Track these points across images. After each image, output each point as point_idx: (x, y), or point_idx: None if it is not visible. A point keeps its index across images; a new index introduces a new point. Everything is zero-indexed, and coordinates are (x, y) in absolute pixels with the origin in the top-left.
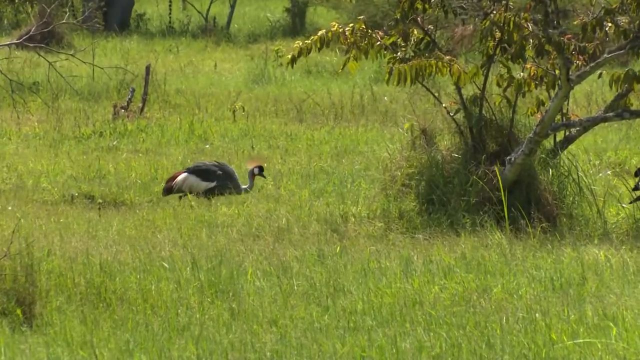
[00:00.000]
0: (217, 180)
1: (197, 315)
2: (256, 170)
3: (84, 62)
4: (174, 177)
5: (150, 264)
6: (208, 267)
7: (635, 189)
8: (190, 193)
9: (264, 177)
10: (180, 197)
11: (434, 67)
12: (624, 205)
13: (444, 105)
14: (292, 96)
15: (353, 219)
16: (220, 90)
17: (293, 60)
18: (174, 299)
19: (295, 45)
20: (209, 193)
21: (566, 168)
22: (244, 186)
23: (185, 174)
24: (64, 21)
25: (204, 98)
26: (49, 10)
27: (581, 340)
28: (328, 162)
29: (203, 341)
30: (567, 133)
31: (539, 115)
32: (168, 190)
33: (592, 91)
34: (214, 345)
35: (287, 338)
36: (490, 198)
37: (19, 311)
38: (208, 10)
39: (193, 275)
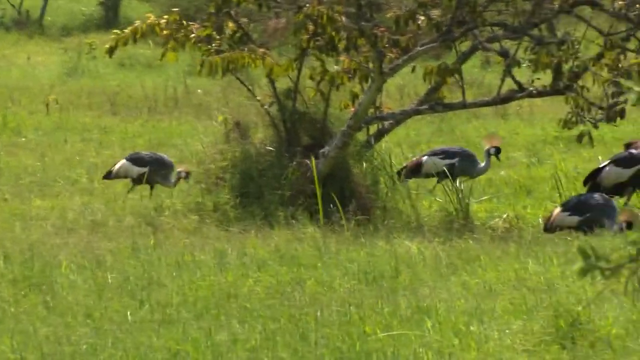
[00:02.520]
0: (150, 165)
1: (12, 309)
2: (182, 174)
3: None
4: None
5: None
6: (21, 260)
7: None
8: (126, 177)
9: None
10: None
11: (246, 59)
12: (437, 198)
13: (257, 98)
14: (106, 89)
15: (167, 212)
16: (34, 83)
17: (111, 51)
18: None
19: (113, 35)
20: (141, 178)
21: (380, 161)
22: (172, 180)
23: (123, 160)
24: None
25: (18, 91)
26: None
27: (395, 333)
28: None
29: (17, 334)
30: (381, 126)
31: (352, 109)
32: (107, 175)
33: (405, 84)
34: (28, 339)
35: (102, 331)
36: (305, 191)
37: None
38: (21, 2)
39: (6, 269)
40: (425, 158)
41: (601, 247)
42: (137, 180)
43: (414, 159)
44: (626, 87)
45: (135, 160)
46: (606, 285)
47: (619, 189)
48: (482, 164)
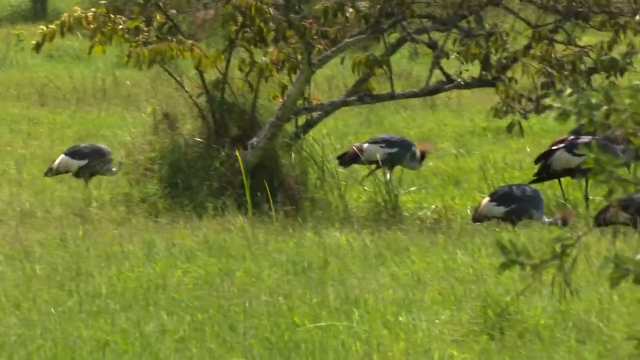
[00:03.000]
0: (89, 157)
1: None
2: (124, 160)
3: None
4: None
5: None
6: None
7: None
8: (67, 172)
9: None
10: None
11: (174, 50)
12: (365, 188)
13: (186, 89)
14: (34, 80)
15: (96, 203)
16: None
17: (38, 47)
18: None
19: (39, 31)
20: (82, 171)
21: (308, 152)
22: (113, 168)
23: (62, 155)
24: None
25: None
26: None
27: (323, 324)
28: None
29: None
30: (309, 117)
31: (281, 100)
32: (48, 172)
33: (334, 75)
34: None
35: (31, 322)
36: (233, 182)
37: None
38: None
39: None
40: (366, 145)
41: (529, 238)
42: (78, 174)
43: (355, 145)
44: (547, 104)
45: (73, 153)
46: (534, 276)
47: (568, 173)
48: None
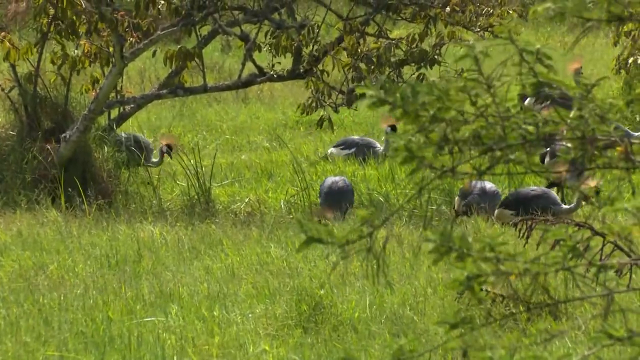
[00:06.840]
0: None
1: None
2: (164, 149)
3: None
4: None
5: None
6: None
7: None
8: None
9: None
10: None
11: None
12: (179, 182)
13: None
14: None
15: None
16: None
17: None
18: None
19: None
20: None
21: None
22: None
23: None
24: None
25: None
26: None
27: (140, 320)
28: None
29: None
30: (122, 110)
31: (93, 93)
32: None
33: (146, 68)
34: None
35: None
36: (47, 175)
37: None
38: None
39: None
40: (330, 150)
41: (339, 227)
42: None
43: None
44: (361, 91)
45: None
46: (343, 257)
47: None
48: (382, 148)
